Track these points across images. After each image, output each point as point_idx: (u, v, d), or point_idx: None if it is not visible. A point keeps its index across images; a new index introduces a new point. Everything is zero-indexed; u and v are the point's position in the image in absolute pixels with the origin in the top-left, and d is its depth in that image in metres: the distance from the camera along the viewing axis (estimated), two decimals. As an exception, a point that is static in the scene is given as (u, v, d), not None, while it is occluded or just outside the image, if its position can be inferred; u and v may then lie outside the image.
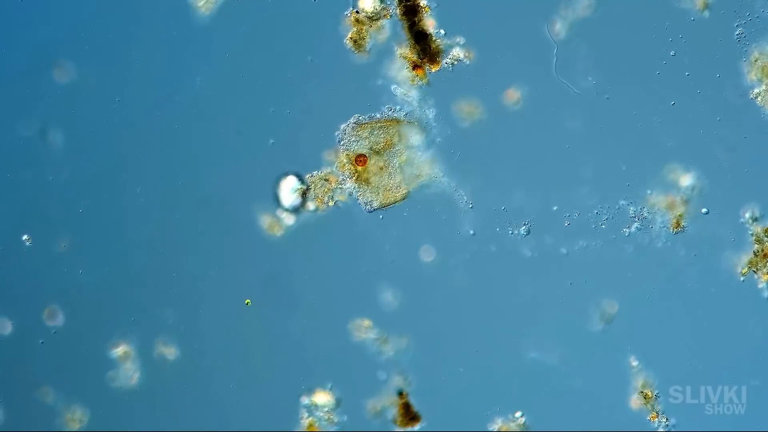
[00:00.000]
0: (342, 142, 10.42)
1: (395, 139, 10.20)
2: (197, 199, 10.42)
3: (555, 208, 9.56)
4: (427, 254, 10.37)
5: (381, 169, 10.26)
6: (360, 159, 10.35)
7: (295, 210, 10.67)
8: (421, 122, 10.18)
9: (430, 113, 10.19)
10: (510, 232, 9.79)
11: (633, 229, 9.24)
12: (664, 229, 9.37)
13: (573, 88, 9.46)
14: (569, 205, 9.55)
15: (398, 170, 10.15)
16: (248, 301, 9.62)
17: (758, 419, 8.23)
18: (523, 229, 9.81)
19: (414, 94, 10.19)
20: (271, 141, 10.50)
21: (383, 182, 10.22)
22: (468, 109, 10.52)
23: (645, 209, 9.38)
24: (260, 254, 10.48)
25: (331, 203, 10.56)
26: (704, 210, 8.98)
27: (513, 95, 10.42)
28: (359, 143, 10.31)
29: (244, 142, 10.54)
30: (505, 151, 10.20)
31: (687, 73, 9.22)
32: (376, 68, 10.43)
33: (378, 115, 10.25)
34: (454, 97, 10.51)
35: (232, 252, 10.40)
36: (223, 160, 10.48)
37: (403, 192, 10.21)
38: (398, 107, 10.27)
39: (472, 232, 9.81)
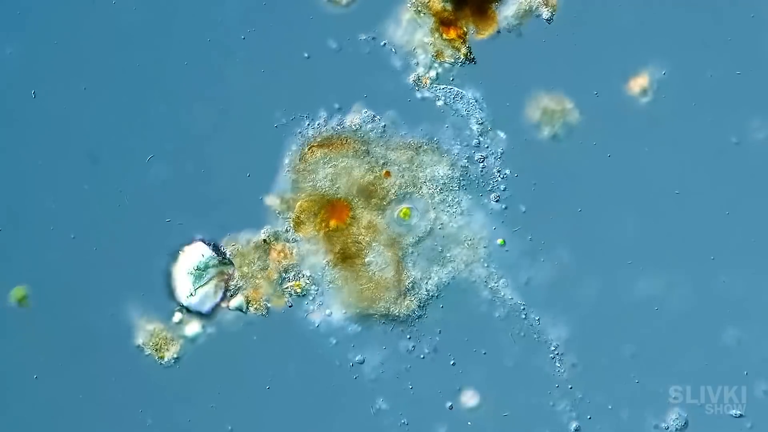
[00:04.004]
0: (292, 174, 8.59)
1: (399, 172, 8.57)
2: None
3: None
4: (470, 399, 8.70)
5: (368, 230, 8.48)
6: (337, 206, 8.53)
7: (205, 308, 8.60)
8: (453, 144, 8.59)
9: (477, 126, 8.53)
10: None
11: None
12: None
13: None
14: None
15: (400, 239, 8.42)
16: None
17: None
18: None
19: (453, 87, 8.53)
20: (149, 156, 8.77)
21: (371, 264, 8.49)
22: (548, 108, 8.58)
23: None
24: (136, 390, 8.75)
25: (279, 300, 8.52)
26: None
27: (638, 84, 8.58)
28: (325, 179, 8.55)
29: (103, 170, 8.83)
30: (603, 198, 8.85)
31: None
32: (365, 24, 8.72)
33: (367, 126, 8.54)
34: (520, 89, 8.69)
35: (86, 383, 8.71)
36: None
37: (404, 289, 8.48)
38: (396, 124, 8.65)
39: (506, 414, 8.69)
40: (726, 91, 9.09)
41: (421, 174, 8.67)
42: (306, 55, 8.94)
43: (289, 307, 8.56)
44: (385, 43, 8.69)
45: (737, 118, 9.16)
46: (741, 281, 9.23)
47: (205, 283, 8.66)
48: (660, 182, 9.17)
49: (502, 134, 8.78)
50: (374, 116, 8.66)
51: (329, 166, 8.66)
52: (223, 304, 8.62)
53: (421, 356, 8.90)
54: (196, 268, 8.58)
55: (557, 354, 8.96)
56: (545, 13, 8.54)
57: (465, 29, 8.58)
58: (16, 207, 9.22)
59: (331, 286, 8.60)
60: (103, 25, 9.36)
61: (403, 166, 8.65)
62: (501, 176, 8.80)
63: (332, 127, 8.68)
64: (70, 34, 9.30)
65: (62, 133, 9.26)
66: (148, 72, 9.22)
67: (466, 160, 8.73)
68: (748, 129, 9.11)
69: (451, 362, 8.89)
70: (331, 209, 8.58)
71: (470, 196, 8.74)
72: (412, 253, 8.74)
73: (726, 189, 9.17)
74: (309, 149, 8.63)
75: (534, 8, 8.55)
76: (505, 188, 8.86)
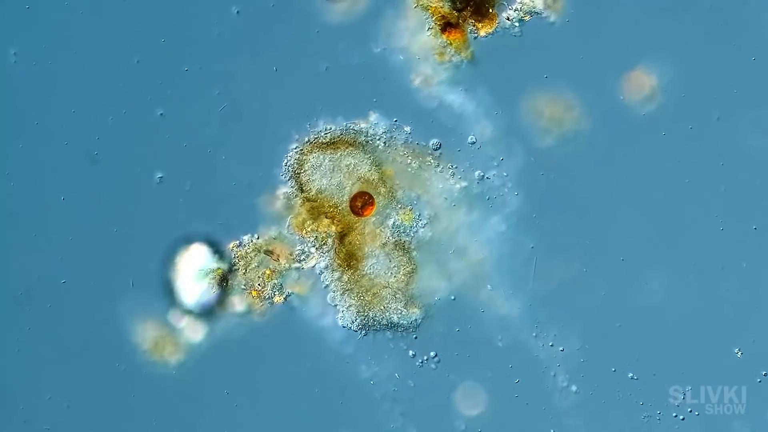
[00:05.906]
0: (294, 175, 8.58)
1: (402, 176, 8.61)
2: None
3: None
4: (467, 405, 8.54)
5: (371, 233, 8.55)
6: (359, 201, 8.40)
7: (207, 312, 8.59)
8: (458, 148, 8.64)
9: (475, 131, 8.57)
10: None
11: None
12: None
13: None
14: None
15: (401, 247, 8.41)
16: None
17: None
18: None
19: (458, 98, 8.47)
20: (160, 176, 8.74)
21: (373, 269, 8.52)
22: (550, 113, 8.60)
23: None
24: (138, 396, 8.71)
25: (277, 300, 8.48)
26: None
27: (640, 81, 8.54)
28: (328, 180, 8.62)
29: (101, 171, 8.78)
30: (610, 200, 8.80)
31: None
32: (367, 27, 8.74)
33: (370, 129, 8.57)
34: (520, 88, 8.72)
35: (88, 386, 8.65)
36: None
37: (408, 297, 8.40)
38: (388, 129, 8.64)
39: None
40: (728, 93, 8.97)
41: (424, 182, 8.65)
42: (315, 61, 8.98)
43: (290, 309, 8.52)
44: (387, 48, 8.65)
45: (739, 121, 8.94)
46: (742, 284, 9.10)
47: (206, 285, 8.62)
48: (661, 187, 9.07)
49: (506, 144, 8.78)
50: (377, 119, 8.65)
51: (332, 167, 8.66)
52: (224, 306, 8.59)
53: (430, 368, 8.65)
54: (197, 270, 8.55)
55: (566, 380, 8.83)
56: (548, 14, 8.53)
57: (467, 31, 8.57)
58: (17, 206, 9.16)
59: (333, 288, 8.55)
60: (105, 27, 9.17)
61: (407, 170, 8.65)
62: (507, 188, 8.70)
63: (335, 130, 8.65)
64: (72, 35, 9.28)
65: (62, 133, 9.07)
66: (148, 73, 9.14)
67: (468, 166, 8.63)
68: (751, 132, 8.89)
69: (454, 381, 8.75)
70: (333, 211, 8.55)
71: (475, 208, 8.68)
72: (415, 257, 8.46)
73: (727, 192, 9.11)
74: (311, 150, 8.61)
75: (536, 9, 8.55)
76: (510, 197, 8.72)
